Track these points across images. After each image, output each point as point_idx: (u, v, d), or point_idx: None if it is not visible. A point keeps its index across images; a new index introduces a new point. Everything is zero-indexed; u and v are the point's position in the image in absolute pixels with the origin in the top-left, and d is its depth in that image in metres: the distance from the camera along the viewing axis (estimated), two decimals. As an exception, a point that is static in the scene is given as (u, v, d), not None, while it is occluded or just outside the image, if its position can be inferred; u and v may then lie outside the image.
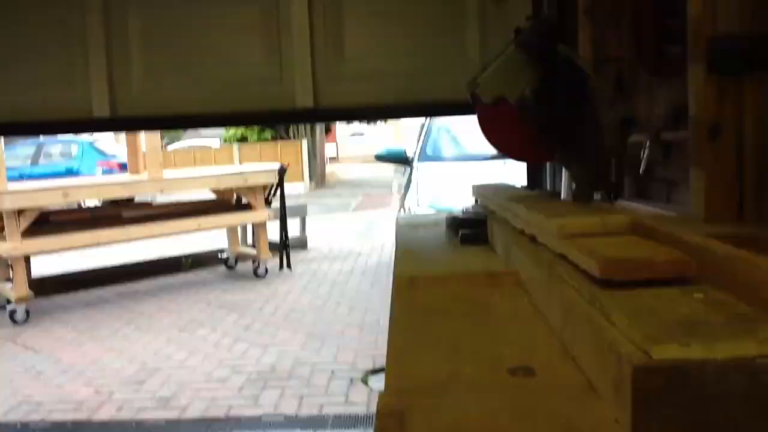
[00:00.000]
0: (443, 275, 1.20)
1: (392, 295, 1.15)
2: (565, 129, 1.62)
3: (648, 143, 2.39)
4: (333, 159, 25.00)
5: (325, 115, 2.96)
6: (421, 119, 7.24)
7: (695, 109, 1.89)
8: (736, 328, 0.60)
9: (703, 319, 0.63)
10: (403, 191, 6.20)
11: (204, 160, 17.68)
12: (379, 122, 26.20)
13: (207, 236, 8.21)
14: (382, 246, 9.02)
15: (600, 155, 1.65)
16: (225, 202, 7.65)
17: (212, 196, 7.76)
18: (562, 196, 2.06)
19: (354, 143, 30.81)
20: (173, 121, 3.41)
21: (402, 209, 5.63)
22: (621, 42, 2.80)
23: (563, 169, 2.82)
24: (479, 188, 2.02)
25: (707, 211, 1.87)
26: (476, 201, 2.06)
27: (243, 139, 21.39)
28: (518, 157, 1.83)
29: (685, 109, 2.07)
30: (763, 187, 1.84)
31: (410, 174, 6.41)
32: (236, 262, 8.11)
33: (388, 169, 12.87)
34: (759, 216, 1.84)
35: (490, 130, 1.70)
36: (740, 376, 0.56)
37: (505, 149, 1.75)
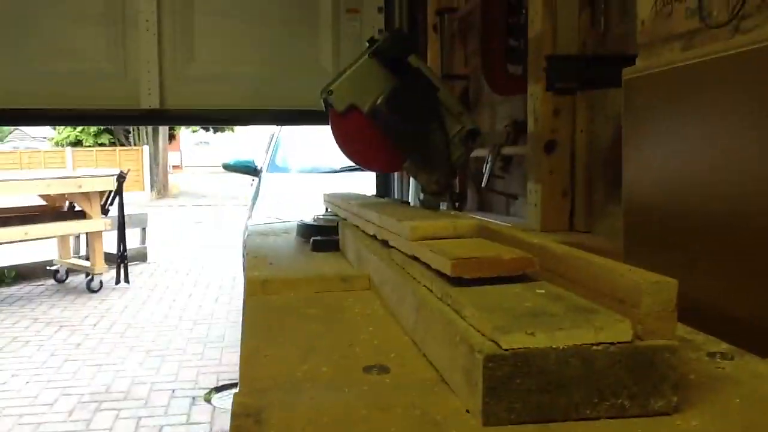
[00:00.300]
0: (296, 278, 1.19)
1: (244, 298, 1.12)
2: (414, 139, 1.67)
3: (490, 157, 2.53)
4: (176, 167, 24.03)
5: (171, 116, 2.84)
6: (271, 129, 7.18)
7: (533, 125, 2.03)
8: (574, 318, 0.64)
9: (546, 311, 0.67)
10: (251, 202, 6.10)
11: (32, 164, 16.33)
12: (226, 130, 25.59)
13: (34, 246, 7.56)
14: (228, 259, 8.79)
15: (447, 166, 1.72)
16: (56, 209, 7.10)
17: (41, 203, 7.17)
18: (411, 205, 2.12)
19: (199, 152, 29.90)
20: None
21: (250, 219, 5.53)
22: (467, 60, 2.95)
23: (411, 179, 2.91)
24: (330, 196, 2.03)
25: (542, 223, 2.02)
26: (326, 209, 2.07)
27: (77, 143, 19.96)
28: (369, 166, 1.86)
29: (524, 126, 2.22)
30: (590, 201, 2.01)
31: (259, 184, 6.32)
32: (67, 274, 7.54)
33: (235, 179, 12.61)
34: (586, 227, 2.01)
35: (342, 138, 1.72)
36: (578, 361, 0.60)
37: (357, 157, 1.77)
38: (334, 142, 1.73)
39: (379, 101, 1.57)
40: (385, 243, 1.19)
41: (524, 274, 0.81)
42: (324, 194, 2.11)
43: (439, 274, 0.85)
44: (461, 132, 1.72)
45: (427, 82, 1.58)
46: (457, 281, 0.80)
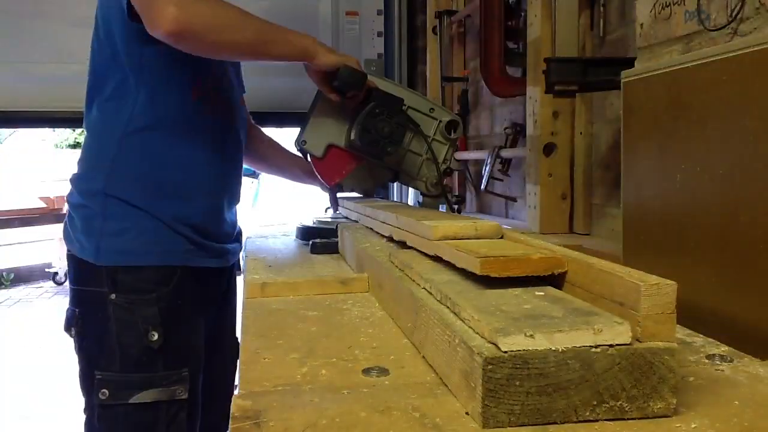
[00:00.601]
0: (295, 281, 1.19)
1: (244, 301, 1.12)
2: (396, 155, 1.67)
3: (489, 159, 2.53)
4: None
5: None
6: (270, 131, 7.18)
7: (532, 127, 2.03)
8: (573, 320, 0.64)
9: (545, 313, 0.67)
10: (250, 203, 6.11)
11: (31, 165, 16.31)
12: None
13: (33, 248, 7.55)
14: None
15: (435, 168, 1.71)
16: (54, 211, 7.10)
17: (40, 204, 7.16)
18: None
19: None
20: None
21: (249, 221, 5.53)
22: (466, 62, 2.95)
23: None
24: (341, 198, 2.02)
25: (541, 225, 2.02)
26: (325, 211, 2.07)
27: (76, 146, 19.93)
28: (366, 186, 1.84)
29: (524, 128, 2.22)
30: (589, 204, 2.01)
31: (258, 186, 6.34)
32: (66, 277, 7.53)
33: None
34: (586, 230, 2.02)
35: (331, 175, 1.71)
36: (578, 364, 0.60)
37: (353, 181, 1.77)
38: (324, 184, 1.72)
39: (352, 137, 1.58)
40: (402, 244, 1.18)
41: (553, 274, 0.80)
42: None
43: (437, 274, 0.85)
44: (439, 127, 1.71)
45: (389, 97, 1.57)
46: (485, 280, 0.79)
